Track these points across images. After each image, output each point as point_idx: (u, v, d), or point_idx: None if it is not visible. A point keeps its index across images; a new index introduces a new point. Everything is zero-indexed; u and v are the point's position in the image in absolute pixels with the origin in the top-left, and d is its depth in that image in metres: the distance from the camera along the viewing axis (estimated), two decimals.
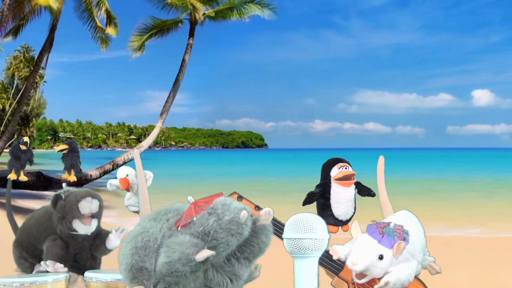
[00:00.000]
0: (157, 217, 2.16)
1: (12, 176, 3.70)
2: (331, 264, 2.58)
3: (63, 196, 3.04)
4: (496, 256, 7.06)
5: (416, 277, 2.49)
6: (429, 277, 2.60)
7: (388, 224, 2.37)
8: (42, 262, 3.04)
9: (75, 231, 3.02)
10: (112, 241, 3.17)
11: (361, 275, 2.36)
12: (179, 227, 2.03)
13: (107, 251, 3.20)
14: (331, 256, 2.52)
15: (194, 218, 2.01)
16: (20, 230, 3.35)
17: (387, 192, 2.81)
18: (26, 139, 3.82)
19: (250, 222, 2.05)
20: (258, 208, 2.64)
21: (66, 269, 3.02)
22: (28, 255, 3.25)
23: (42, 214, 3.22)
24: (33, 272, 3.22)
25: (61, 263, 3.01)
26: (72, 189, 3.16)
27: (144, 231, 2.13)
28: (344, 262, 2.53)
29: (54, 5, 17.49)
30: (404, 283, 2.38)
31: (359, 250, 2.33)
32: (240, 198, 2.66)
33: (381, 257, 2.30)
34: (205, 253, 1.91)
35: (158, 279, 2.01)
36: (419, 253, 2.48)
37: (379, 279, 2.45)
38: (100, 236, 3.18)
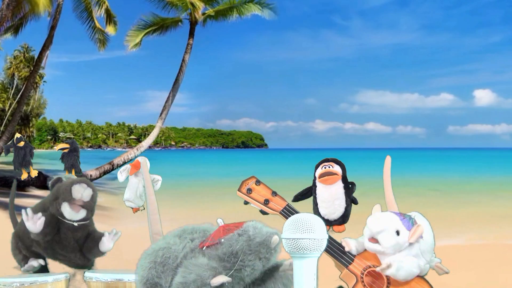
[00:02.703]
0: (183, 234, 2.15)
1: (25, 176, 3.78)
2: (342, 256, 2.59)
3: (63, 180, 3.09)
4: (500, 258, 7.04)
5: (421, 277, 2.51)
6: (436, 278, 2.61)
7: (409, 214, 2.46)
8: (22, 210, 3.04)
9: (62, 215, 3.03)
10: (106, 244, 3.16)
11: (374, 240, 2.40)
12: (204, 247, 2.00)
13: (100, 253, 3.20)
14: (343, 248, 2.56)
15: (222, 240, 1.97)
16: (20, 220, 3.39)
17: (393, 193, 2.83)
18: (18, 135, 3.86)
19: (280, 248, 2.00)
20: (275, 194, 2.66)
21: (43, 218, 2.98)
22: (23, 246, 3.27)
23: (42, 199, 3.27)
24: (26, 266, 3.24)
25: (43, 225, 3.00)
26: (73, 176, 3.20)
27: (166, 246, 2.11)
28: (355, 256, 2.58)
29: (49, 7, 17.43)
30: (406, 273, 2.41)
31: (381, 214, 2.41)
32: (258, 182, 2.66)
33: (398, 233, 2.37)
34: (220, 279, 1.89)
35: None
36: (428, 252, 2.51)
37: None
38: (93, 238, 3.17)
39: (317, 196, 2.79)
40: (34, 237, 3.07)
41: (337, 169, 2.79)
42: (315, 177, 2.82)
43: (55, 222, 3.07)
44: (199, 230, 2.15)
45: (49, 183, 3.15)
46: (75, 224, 3.06)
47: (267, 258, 1.96)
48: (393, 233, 2.36)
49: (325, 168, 2.79)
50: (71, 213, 3.02)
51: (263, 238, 1.94)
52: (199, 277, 1.89)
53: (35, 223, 2.98)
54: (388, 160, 2.85)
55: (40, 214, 2.99)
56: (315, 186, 2.81)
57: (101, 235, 3.18)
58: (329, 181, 2.76)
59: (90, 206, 3.08)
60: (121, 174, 3.43)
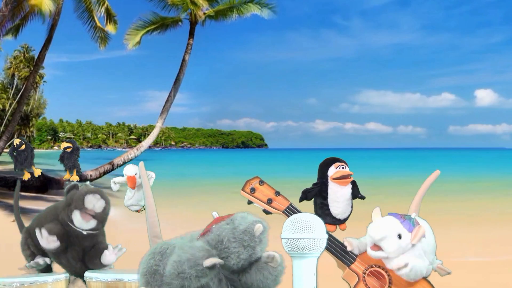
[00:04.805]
0: (184, 236, 2.21)
1: (27, 176, 3.81)
2: (344, 255, 2.62)
3: (79, 187, 3.12)
4: (500, 259, 7.04)
5: (424, 278, 2.53)
6: (440, 279, 2.61)
7: (409, 214, 2.47)
8: (36, 229, 3.07)
9: (72, 222, 3.04)
10: (108, 257, 3.17)
11: (376, 247, 2.41)
12: (199, 237, 2.08)
13: (101, 265, 3.19)
14: (345, 247, 2.58)
15: (213, 226, 2.05)
16: (34, 217, 3.41)
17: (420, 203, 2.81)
18: (17, 141, 3.87)
19: (265, 237, 2.06)
20: (278, 193, 2.68)
21: (58, 242, 3.03)
22: (32, 243, 3.29)
23: (56, 203, 3.30)
24: (31, 262, 3.27)
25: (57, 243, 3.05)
26: (89, 185, 3.23)
27: (166, 241, 2.18)
28: (357, 255, 2.61)
29: (48, 8, 17.39)
30: (416, 275, 2.44)
31: (381, 221, 2.41)
32: (261, 182, 2.69)
33: (399, 236, 2.38)
34: (213, 260, 1.94)
35: (168, 284, 2.01)
36: (431, 253, 2.53)
37: (387, 273, 2.49)
38: (97, 248, 3.18)
39: (329, 196, 2.79)
40: (45, 249, 3.13)
41: (350, 170, 2.82)
42: (326, 177, 2.81)
43: (66, 236, 3.10)
44: (198, 231, 2.18)
45: (65, 189, 3.18)
46: (84, 232, 3.08)
47: (251, 247, 2.00)
48: (395, 237, 2.37)
49: (341, 168, 2.80)
50: (81, 222, 3.05)
51: (246, 225, 1.99)
52: (193, 256, 1.95)
53: (49, 243, 3.03)
54: (435, 173, 2.85)
55: (55, 237, 3.03)
56: (326, 186, 2.80)
57: (105, 247, 3.19)
58: (347, 182, 2.79)
59: (101, 218, 3.10)
60: (115, 185, 3.45)
